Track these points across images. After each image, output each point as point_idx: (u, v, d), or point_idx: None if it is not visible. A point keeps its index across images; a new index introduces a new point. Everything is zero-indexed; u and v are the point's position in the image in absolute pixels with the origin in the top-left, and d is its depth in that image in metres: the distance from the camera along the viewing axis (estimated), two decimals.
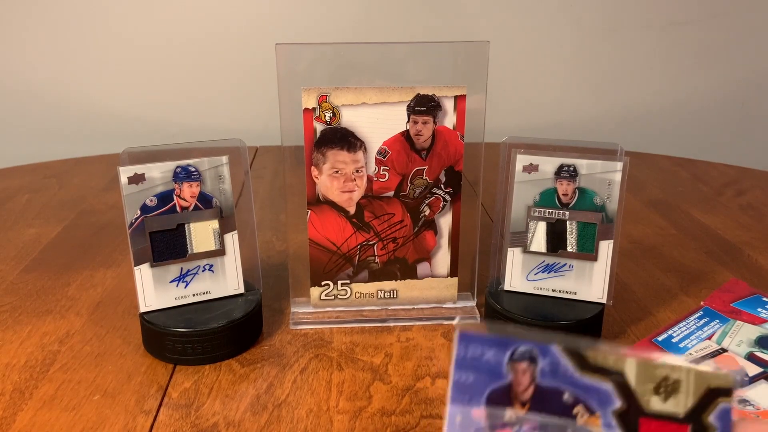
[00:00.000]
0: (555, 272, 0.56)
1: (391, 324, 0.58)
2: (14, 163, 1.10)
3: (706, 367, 0.26)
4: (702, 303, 0.60)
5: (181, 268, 0.54)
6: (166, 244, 0.53)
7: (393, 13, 1.19)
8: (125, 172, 0.51)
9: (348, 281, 0.58)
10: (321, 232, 0.57)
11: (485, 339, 0.27)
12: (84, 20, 1.15)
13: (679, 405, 0.26)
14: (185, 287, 0.54)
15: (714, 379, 0.26)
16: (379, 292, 0.59)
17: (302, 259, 0.58)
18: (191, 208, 0.53)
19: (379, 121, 0.54)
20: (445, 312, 0.59)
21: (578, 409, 0.26)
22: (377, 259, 0.58)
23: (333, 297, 0.58)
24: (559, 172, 0.55)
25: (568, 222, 0.55)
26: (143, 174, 0.51)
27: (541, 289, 0.57)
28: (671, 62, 1.26)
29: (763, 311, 0.57)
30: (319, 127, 0.54)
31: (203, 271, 0.54)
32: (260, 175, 1.02)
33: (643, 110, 1.28)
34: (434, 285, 0.59)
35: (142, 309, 0.53)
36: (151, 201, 0.52)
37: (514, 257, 0.57)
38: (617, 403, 0.26)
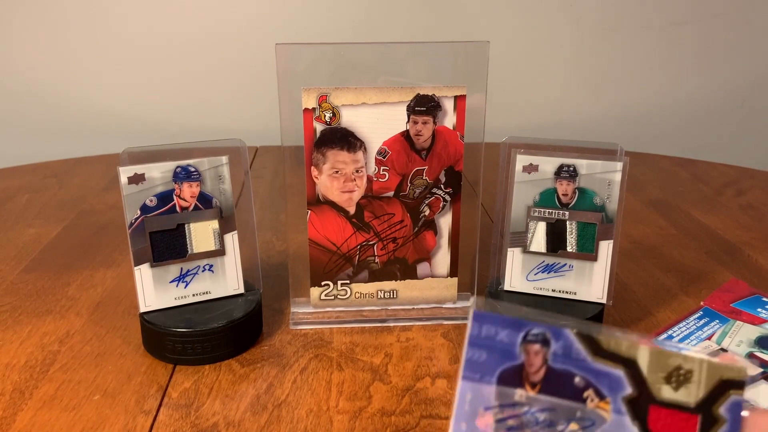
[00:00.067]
0: (555, 272, 0.56)
1: (391, 324, 0.58)
2: (14, 163, 1.10)
3: (719, 359, 0.26)
4: (702, 303, 0.60)
5: (181, 268, 0.54)
6: (166, 244, 0.53)
7: (393, 13, 1.19)
8: (125, 172, 0.51)
9: (348, 281, 0.58)
10: (321, 232, 0.57)
11: (500, 319, 0.27)
12: (84, 20, 1.15)
13: (690, 395, 0.26)
14: (185, 287, 0.54)
15: (727, 371, 0.26)
16: (379, 292, 0.59)
17: (302, 259, 0.58)
18: (191, 208, 0.53)
19: (379, 121, 0.54)
20: (445, 312, 0.59)
21: (589, 393, 0.26)
22: (377, 259, 0.58)
23: (333, 297, 0.58)
24: (559, 172, 0.55)
25: (568, 222, 0.55)
26: (143, 174, 0.51)
27: (541, 289, 0.57)
28: (671, 62, 1.26)
29: (763, 311, 0.57)
30: (319, 127, 0.54)
31: (203, 271, 0.54)
32: (260, 175, 1.02)
33: (643, 110, 1.28)
34: (434, 285, 0.59)
35: (142, 309, 0.53)
36: (151, 201, 0.52)
37: (514, 257, 0.57)
38: (628, 390, 0.26)
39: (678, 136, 1.30)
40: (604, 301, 0.55)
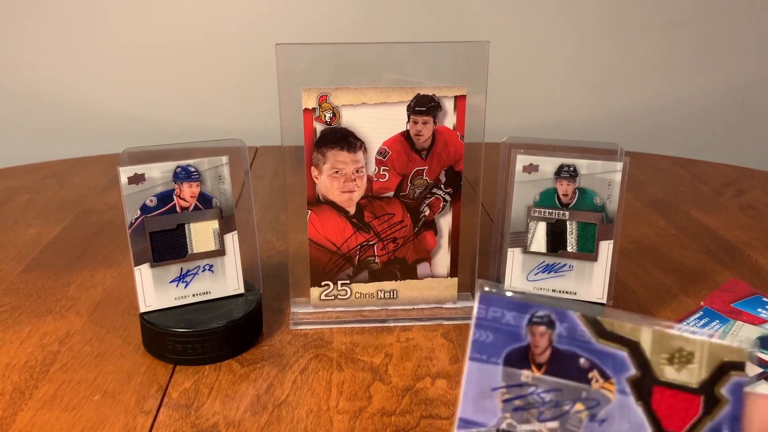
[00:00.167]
0: (555, 272, 0.56)
1: (391, 324, 0.58)
2: (14, 163, 1.10)
3: (720, 340, 0.26)
4: (702, 303, 0.60)
5: (181, 268, 0.54)
6: (166, 244, 0.53)
7: (393, 13, 1.19)
8: (125, 172, 0.51)
9: (348, 281, 0.58)
10: (321, 232, 0.57)
11: (506, 301, 0.27)
12: (84, 20, 1.15)
13: (692, 376, 0.26)
14: (185, 287, 0.54)
15: (728, 352, 0.26)
16: (379, 292, 0.59)
17: (302, 259, 0.58)
18: (191, 208, 0.53)
19: (379, 121, 0.54)
20: (445, 312, 0.59)
21: (593, 374, 0.27)
22: (377, 260, 0.58)
23: (333, 297, 0.58)
24: (559, 172, 0.55)
25: (568, 222, 0.55)
26: (143, 174, 0.51)
27: (541, 289, 0.57)
28: (671, 62, 1.26)
29: (763, 311, 0.57)
30: (319, 127, 0.54)
31: (203, 271, 0.54)
32: (260, 175, 1.02)
33: (643, 110, 1.28)
34: (434, 285, 0.59)
35: (142, 309, 0.53)
36: (151, 201, 0.52)
37: (514, 257, 0.57)
38: (632, 371, 0.27)
39: (678, 136, 1.30)
40: (604, 301, 0.55)
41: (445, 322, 0.58)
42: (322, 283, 0.58)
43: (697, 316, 0.57)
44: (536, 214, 0.56)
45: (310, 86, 0.53)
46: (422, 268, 0.59)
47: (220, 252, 0.55)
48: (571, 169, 0.54)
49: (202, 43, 1.18)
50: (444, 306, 0.60)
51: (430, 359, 0.53)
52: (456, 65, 0.55)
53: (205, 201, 0.54)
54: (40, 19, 1.14)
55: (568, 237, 0.56)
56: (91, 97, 1.19)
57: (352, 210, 0.56)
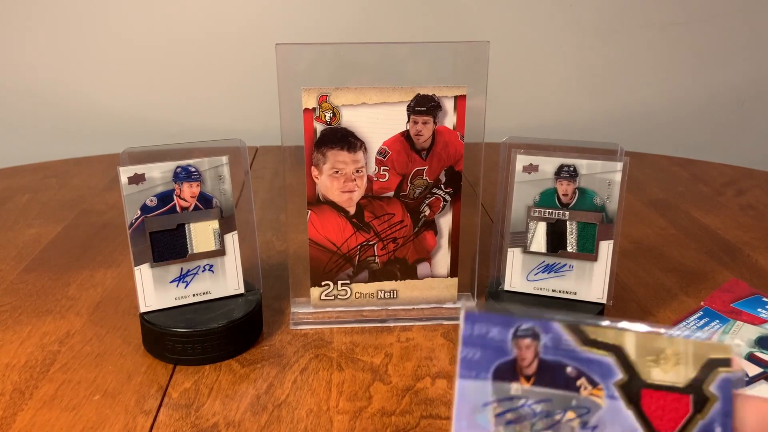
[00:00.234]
0: (555, 272, 0.56)
1: (391, 324, 0.58)
2: (14, 163, 1.10)
3: (704, 338, 0.27)
4: (702, 303, 0.60)
5: (181, 268, 0.54)
6: (166, 244, 0.53)
7: (393, 13, 1.19)
8: (125, 172, 0.51)
9: (348, 281, 0.58)
10: (321, 232, 0.57)
11: (490, 317, 0.28)
12: (84, 20, 1.15)
13: (679, 376, 0.27)
14: (185, 287, 0.54)
15: (713, 349, 0.26)
16: (379, 292, 0.59)
17: (302, 259, 0.58)
18: (191, 208, 0.53)
19: (379, 121, 0.54)
20: (445, 312, 0.59)
21: (581, 381, 0.27)
22: (377, 260, 0.58)
23: (333, 297, 0.58)
24: (559, 172, 0.55)
25: (568, 222, 0.55)
26: (143, 174, 0.51)
27: (541, 289, 0.57)
28: (671, 62, 1.26)
29: (763, 311, 0.57)
30: (319, 127, 0.54)
31: (203, 271, 0.54)
32: (260, 175, 1.02)
33: (643, 110, 1.28)
34: (434, 285, 0.59)
35: (142, 309, 0.53)
36: (151, 201, 0.52)
37: (514, 257, 0.57)
38: (619, 375, 0.27)
39: (678, 136, 1.30)
40: (604, 301, 0.55)
41: (445, 322, 0.58)
42: (322, 283, 0.58)
43: (697, 316, 0.57)
44: (536, 214, 0.56)
45: (310, 86, 0.53)
46: (422, 268, 0.59)
47: (220, 252, 0.55)
48: (571, 169, 0.54)
49: (202, 43, 1.18)
50: (444, 306, 0.60)
51: (430, 359, 0.53)
52: (456, 65, 0.55)
53: (205, 201, 0.54)
54: (40, 19, 1.14)
55: (568, 237, 0.56)
56: (91, 97, 1.19)
57: (352, 210, 0.56)
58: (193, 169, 0.53)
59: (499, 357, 0.28)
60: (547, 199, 0.55)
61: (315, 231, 0.56)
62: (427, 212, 0.58)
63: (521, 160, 0.55)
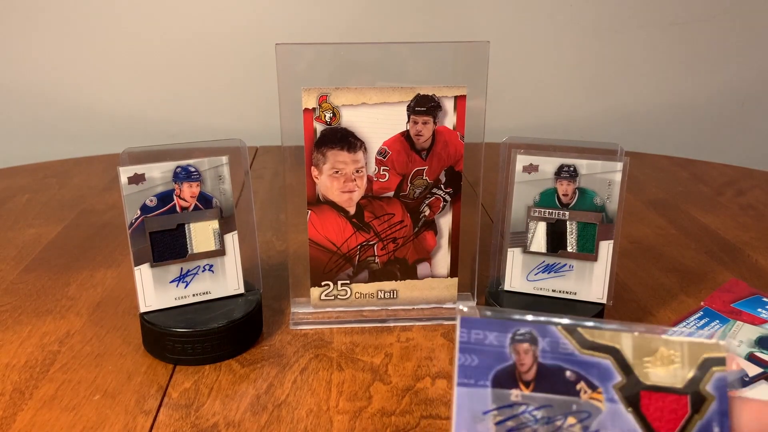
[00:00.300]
0: (555, 272, 0.56)
1: (391, 324, 0.58)
2: (14, 163, 1.10)
3: (698, 338, 0.27)
4: (702, 303, 0.60)
5: (181, 268, 0.54)
6: (166, 244, 0.53)
7: (393, 12, 1.19)
8: (125, 172, 0.51)
9: (348, 281, 0.58)
10: (321, 232, 0.57)
11: (486, 322, 0.27)
12: (84, 20, 1.15)
13: (676, 377, 0.27)
14: (185, 287, 0.54)
15: (707, 349, 0.27)
16: (379, 292, 0.59)
17: (302, 259, 0.58)
18: (191, 208, 0.53)
19: (379, 122, 0.54)
20: (445, 312, 0.59)
21: (581, 385, 0.27)
22: (377, 260, 0.58)
23: (333, 297, 0.58)
24: (559, 172, 0.55)
25: (568, 222, 0.55)
26: (143, 174, 0.51)
27: (541, 289, 0.57)
28: (671, 62, 1.26)
29: (763, 311, 0.57)
30: (319, 127, 0.54)
31: (203, 271, 0.54)
32: (260, 175, 1.02)
33: (643, 110, 1.28)
34: (434, 285, 0.59)
35: (142, 309, 0.53)
36: (151, 201, 0.52)
37: (514, 257, 0.57)
38: (617, 378, 0.27)
39: (678, 136, 1.30)
40: (604, 301, 0.55)
41: (445, 322, 0.58)
42: (322, 283, 0.58)
43: (697, 316, 0.57)
44: (536, 214, 0.56)
45: (310, 86, 0.53)
46: (422, 268, 0.59)
47: (220, 252, 0.55)
48: (571, 169, 0.54)
49: (202, 43, 1.18)
50: (444, 306, 0.60)
51: (430, 359, 0.53)
52: (456, 65, 0.55)
53: (205, 201, 0.54)
54: (41, 20, 1.14)
55: (568, 237, 0.56)
56: (91, 97, 1.19)
57: (352, 210, 0.56)
58: (193, 169, 0.53)
59: (497, 363, 0.27)
60: (547, 199, 0.55)
61: (315, 231, 0.56)
62: (427, 212, 0.58)
63: (521, 160, 0.55)
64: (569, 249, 0.56)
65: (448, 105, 0.54)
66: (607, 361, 0.27)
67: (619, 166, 0.54)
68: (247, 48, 1.18)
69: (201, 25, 1.17)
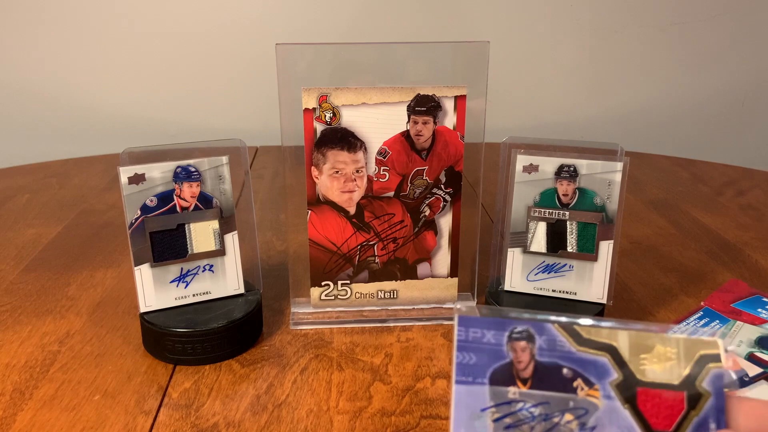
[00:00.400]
0: (555, 272, 0.56)
1: (391, 324, 0.58)
2: (14, 163, 1.10)
3: (694, 335, 0.27)
4: (702, 303, 0.60)
5: (181, 268, 0.54)
6: (166, 244, 0.53)
7: (393, 13, 1.19)
8: (125, 172, 0.51)
9: (348, 281, 0.58)
10: (321, 232, 0.57)
11: (484, 321, 0.28)
12: (84, 20, 1.15)
13: (672, 373, 0.27)
14: (185, 287, 0.54)
15: (703, 345, 0.27)
16: (379, 292, 0.59)
17: (302, 259, 0.58)
18: (191, 208, 0.53)
19: (379, 121, 0.54)
20: (446, 312, 0.59)
21: (578, 382, 0.27)
22: (377, 260, 0.58)
23: (333, 297, 0.58)
24: (559, 172, 0.55)
25: (568, 222, 0.55)
26: (143, 174, 0.51)
27: (541, 289, 0.57)
28: (671, 62, 1.26)
29: (763, 311, 0.57)
30: (320, 127, 0.54)
31: (203, 271, 0.54)
32: (260, 175, 1.02)
33: (643, 110, 1.28)
34: (434, 285, 0.59)
35: (142, 309, 0.53)
36: (152, 201, 0.52)
37: (514, 257, 0.57)
38: (614, 375, 0.27)
39: (678, 136, 1.30)
40: (604, 301, 0.55)
41: (445, 322, 0.58)
42: (322, 283, 0.58)
43: (697, 316, 0.57)
44: (536, 214, 0.56)
45: (310, 86, 0.53)
46: (422, 268, 0.59)
47: (220, 252, 0.55)
48: (571, 169, 0.54)
49: (202, 43, 1.18)
50: (444, 306, 0.60)
51: (430, 359, 0.53)
52: (456, 65, 0.55)
53: (205, 201, 0.54)
54: (40, 19, 1.14)
55: (568, 237, 0.56)
56: (91, 97, 1.19)
57: (352, 210, 0.56)
58: (193, 169, 0.53)
59: (495, 361, 0.28)
60: (547, 199, 0.55)
61: (315, 231, 0.56)
62: (427, 212, 0.58)
63: (521, 160, 0.55)
64: (569, 249, 0.56)
65: (448, 105, 0.54)
66: (604, 359, 0.27)
67: (619, 166, 0.54)
68: (247, 48, 1.18)
69: (201, 25, 1.17)
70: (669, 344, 0.27)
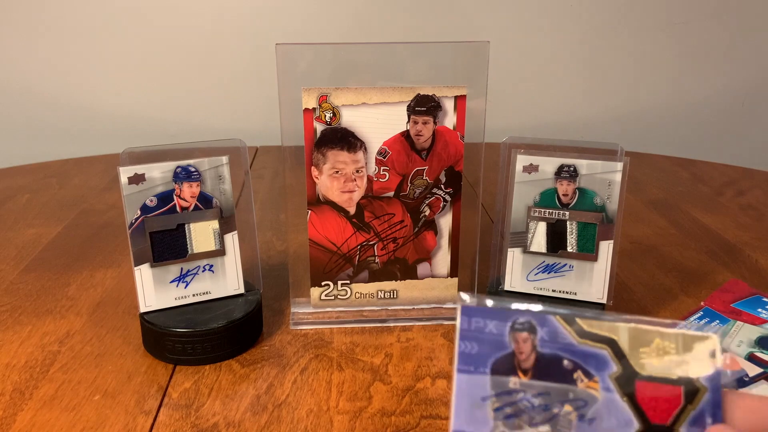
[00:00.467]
0: (555, 272, 0.56)
1: (391, 324, 0.58)
2: (14, 163, 1.10)
3: (692, 330, 0.27)
4: (702, 303, 0.60)
5: (181, 268, 0.54)
6: (166, 245, 0.53)
7: (393, 13, 1.19)
8: (125, 172, 0.51)
9: (348, 281, 0.58)
10: (321, 232, 0.57)
11: (487, 311, 0.28)
12: (84, 20, 1.15)
13: (671, 368, 0.27)
14: (185, 287, 0.54)
15: (700, 341, 0.27)
16: (379, 292, 0.59)
17: (302, 259, 0.58)
18: (191, 208, 0.53)
19: (379, 121, 0.54)
20: (446, 312, 0.59)
21: (578, 374, 0.27)
22: (377, 260, 0.58)
23: (333, 297, 0.58)
24: (559, 172, 0.55)
25: (568, 222, 0.55)
26: (143, 174, 0.51)
27: (541, 289, 0.57)
28: (671, 62, 1.26)
29: (763, 311, 0.57)
30: (320, 127, 0.54)
31: (203, 271, 0.54)
32: (260, 175, 1.02)
33: (643, 110, 1.28)
34: (434, 285, 0.59)
35: (142, 309, 0.53)
36: (152, 201, 0.52)
37: (514, 257, 0.57)
38: (614, 368, 0.27)
39: (678, 136, 1.30)
40: (604, 301, 0.55)
41: (445, 322, 0.58)
42: (322, 283, 0.58)
43: (697, 316, 0.57)
44: (536, 214, 0.56)
45: (310, 86, 0.53)
46: (422, 268, 0.59)
47: (220, 252, 0.55)
48: (571, 169, 0.54)
49: (202, 43, 1.18)
50: (444, 306, 0.60)
51: (431, 359, 0.53)
52: (456, 65, 0.55)
53: (205, 201, 0.54)
54: (41, 20, 1.14)
55: (568, 237, 0.56)
56: (91, 97, 1.19)
57: (352, 210, 0.56)
58: (193, 169, 0.53)
59: (496, 351, 0.28)
60: (547, 199, 0.55)
61: (315, 231, 0.56)
62: (427, 212, 0.58)
63: (521, 160, 0.55)
64: (569, 249, 0.56)
65: (448, 105, 0.54)
66: (604, 351, 0.27)
67: (619, 166, 0.54)
68: (247, 48, 1.18)
69: (201, 25, 1.17)
70: (668, 339, 0.27)
